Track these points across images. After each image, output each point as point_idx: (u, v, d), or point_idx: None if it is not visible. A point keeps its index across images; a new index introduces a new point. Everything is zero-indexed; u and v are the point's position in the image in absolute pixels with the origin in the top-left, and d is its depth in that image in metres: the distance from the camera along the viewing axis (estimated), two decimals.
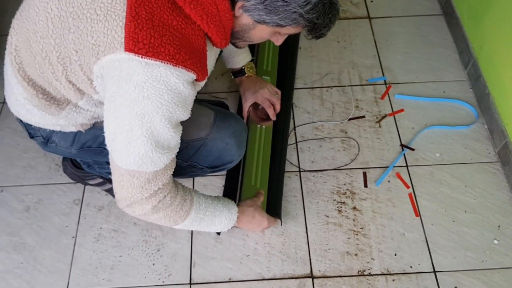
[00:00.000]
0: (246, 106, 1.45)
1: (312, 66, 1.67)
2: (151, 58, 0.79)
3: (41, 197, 1.39)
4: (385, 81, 1.63)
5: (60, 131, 1.08)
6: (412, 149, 1.46)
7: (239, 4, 0.85)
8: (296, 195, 1.38)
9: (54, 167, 1.44)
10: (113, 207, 1.37)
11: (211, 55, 0.97)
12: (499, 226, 1.32)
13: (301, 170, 1.43)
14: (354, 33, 1.75)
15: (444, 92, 1.59)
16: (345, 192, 1.39)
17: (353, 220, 1.34)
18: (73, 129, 1.06)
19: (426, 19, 1.78)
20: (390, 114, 1.54)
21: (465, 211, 1.35)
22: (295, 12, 0.84)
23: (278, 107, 1.45)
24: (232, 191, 1.36)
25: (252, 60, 1.44)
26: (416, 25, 1.77)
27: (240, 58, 1.40)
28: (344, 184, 1.40)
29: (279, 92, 1.47)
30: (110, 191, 1.35)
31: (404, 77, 1.63)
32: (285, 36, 0.98)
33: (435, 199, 1.37)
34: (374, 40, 1.73)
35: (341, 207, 1.36)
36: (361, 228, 1.32)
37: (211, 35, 0.86)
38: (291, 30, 0.91)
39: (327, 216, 1.35)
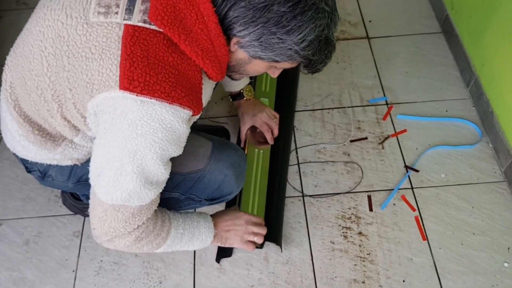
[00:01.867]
0: (244, 129, 1.44)
1: (312, 88, 1.65)
2: (146, 96, 0.78)
3: (41, 230, 1.36)
4: (386, 101, 1.61)
5: (56, 165, 1.06)
6: (417, 171, 1.44)
7: (234, 40, 0.84)
8: (300, 221, 1.36)
9: (54, 198, 1.42)
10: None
11: (207, 87, 0.96)
12: (508, 248, 1.29)
13: (304, 195, 1.41)
14: (353, 54, 1.74)
15: (446, 111, 1.57)
16: (350, 217, 1.36)
17: (359, 245, 1.31)
18: (69, 163, 1.04)
19: (425, 38, 1.77)
20: (392, 135, 1.53)
21: (473, 234, 1.32)
22: (290, 49, 0.82)
23: (276, 132, 1.43)
24: None
25: (250, 83, 1.43)
26: (416, 44, 1.76)
27: (239, 81, 1.40)
28: (349, 209, 1.38)
29: (277, 116, 1.46)
30: None
31: (406, 97, 1.61)
32: (281, 69, 0.97)
33: (442, 221, 1.34)
34: (374, 60, 1.72)
35: (346, 232, 1.34)
36: (367, 254, 1.29)
37: (207, 70, 0.85)
38: (286, 65, 0.90)
39: (333, 242, 1.32)
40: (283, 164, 1.43)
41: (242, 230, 1.20)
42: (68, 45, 0.81)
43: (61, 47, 0.82)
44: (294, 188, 1.42)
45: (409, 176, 1.43)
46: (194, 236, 1.10)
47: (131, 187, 0.86)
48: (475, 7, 1.54)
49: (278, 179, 1.39)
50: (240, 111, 1.44)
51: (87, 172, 1.07)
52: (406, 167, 1.45)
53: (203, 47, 0.81)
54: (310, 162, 1.47)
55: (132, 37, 0.78)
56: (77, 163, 1.05)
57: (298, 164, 1.47)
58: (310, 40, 0.81)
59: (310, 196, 1.40)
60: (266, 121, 1.42)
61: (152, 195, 0.91)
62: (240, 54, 0.87)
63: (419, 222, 1.34)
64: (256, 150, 1.42)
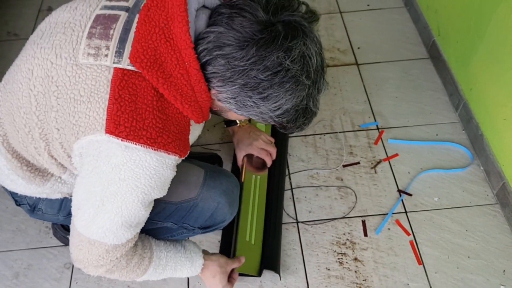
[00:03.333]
0: (240, 156, 1.43)
1: None
2: (132, 142, 0.78)
3: (31, 262, 1.33)
4: (377, 126, 1.63)
5: (46, 198, 1.05)
6: (410, 195, 1.44)
7: (213, 91, 0.84)
8: (295, 247, 1.35)
9: (44, 230, 1.40)
10: None
11: (196, 127, 0.96)
12: (504, 271, 1.29)
13: (298, 221, 1.40)
14: (343, 80, 1.77)
15: (437, 135, 1.59)
16: (345, 243, 1.36)
17: (355, 272, 1.30)
18: (59, 196, 1.03)
19: (413, 63, 1.81)
20: (385, 159, 1.53)
21: (469, 257, 1.32)
22: (264, 114, 0.83)
23: (274, 155, 1.43)
24: (230, 246, 1.32)
25: None
26: (404, 69, 1.79)
27: None
28: (344, 234, 1.37)
29: (272, 140, 1.46)
30: None
31: (396, 121, 1.63)
32: None
33: (437, 245, 1.34)
34: (364, 86, 1.74)
35: (342, 258, 1.32)
36: (363, 280, 1.28)
37: (187, 114, 0.84)
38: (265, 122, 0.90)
39: (328, 269, 1.31)
40: (279, 191, 1.43)
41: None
42: (57, 86, 0.81)
43: (50, 87, 0.82)
44: (288, 214, 1.41)
45: (402, 200, 1.43)
46: (175, 275, 1.07)
47: (108, 225, 0.86)
48: (461, 33, 1.58)
49: (275, 206, 1.38)
50: (235, 138, 1.43)
51: None
52: (399, 191, 1.46)
53: (183, 91, 0.81)
54: (303, 187, 1.47)
55: (121, 81, 0.78)
56: (67, 196, 1.04)
57: (292, 189, 1.47)
58: (286, 109, 0.82)
59: (305, 222, 1.40)
60: (263, 147, 1.41)
61: (128, 235, 0.90)
62: (220, 103, 0.87)
63: (414, 246, 1.34)
64: (254, 176, 1.42)
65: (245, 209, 1.34)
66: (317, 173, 1.51)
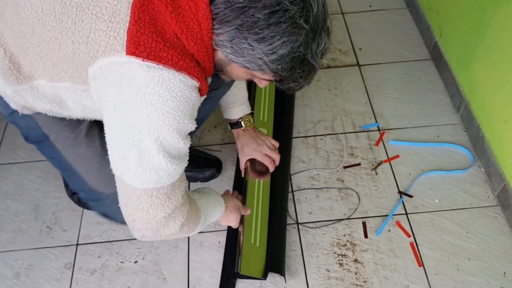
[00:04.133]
0: (243, 161, 1.43)
1: (305, 114, 1.67)
2: (153, 62, 0.77)
3: (32, 262, 1.34)
4: (378, 127, 1.62)
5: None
6: (411, 196, 1.44)
7: (213, 36, 0.82)
8: (295, 249, 1.35)
9: (45, 230, 1.40)
10: (105, 271, 1.32)
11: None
12: (504, 273, 1.29)
13: (299, 223, 1.40)
14: (344, 81, 1.76)
15: (438, 136, 1.58)
16: (345, 244, 1.35)
17: (355, 273, 1.30)
18: (14, 106, 1.00)
19: (415, 64, 1.80)
20: (385, 161, 1.53)
21: (469, 259, 1.31)
22: (260, 58, 0.80)
23: (277, 162, 1.43)
24: (235, 249, 1.31)
25: (251, 113, 1.41)
26: (406, 70, 1.79)
27: (238, 109, 1.38)
28: (344, 236, 1.37)
29: (277, 144, 1.45)
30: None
31: (397, 123, 1.63)
32: (267, 81, 0.92)
33: (437, 247, 1.34)
34: (365, 87, 1.74)
35: (342, 260, 1.32)
36: (364, 282, 1.28)
37: (191, 51, 0.81)
38: (262, 76, 0.87)
39: (328, 271, 1.30)
40: (282, 194, 1.43)
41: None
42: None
43: None
44: (289, 215, 1.41)
45: (403, 202, 1.43)
46: (214, 211, 1.11)
47: (157, 163, 0.83)
48: (463, 35, 1.57)
49: (279, 209, 1.38)
50: (240, 143, 1.42)
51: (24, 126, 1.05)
52: (400, 192, 1.45)
53: (189, 25, 0.79)
54: (304, 189, 1.47)
55: (142, 5, 0.78)
56: (19, 109, 1.01)
57: (292, 191, 1.47)
58: (282, 55, 0.79)
59: (305, 223, 1.40)
60: (268, 153, 1.41)
61: (179, 169, 0.87)
62: (219, 54, 0.85)
63: (415, 248, 1.34)
64: (257, 180, 1.42)
65: (250, 213, 1.34)
66: (317, 174, 1.51)
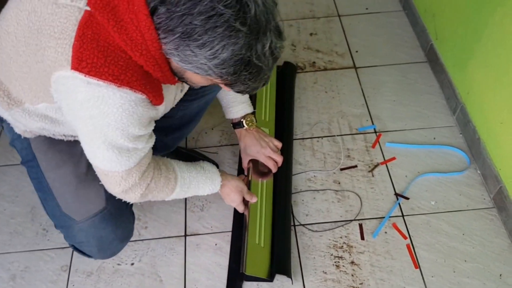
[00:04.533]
0: (246, 160, 1.43)
1: (301, 116, 1.67)
2: (94, 78, 0.80)
3: (28, 264, 1.34)
4: (375, 129, 1.63)
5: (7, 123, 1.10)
6: (407, 198, 1.45)
7: (162, 46, 0.82)
8: (292, 251, 1.35)
9: (41, 232, 1.40)
10: (102, 273, 1.32)
11: (169, 91, 0.98)
12: (500, 275, 1.29)
13: (295, 224, 1.40)
14: (341, 83, 1.77)
15: (434, 138, 1.59)
16: (342, 246, 1.36)
17: (352, 275, 1.30)
18: (18, 129, 1.08)
19: (411, 67, 1.81)
20: (382, 163, 1.54)
21: (465, 261, 1.32)
22: (204, 64, 0.80)
23: (280, 163, 1.43)
24: (239, 249, 1.32)
25: (253, 113, 1.41)
26: (402, 73, 1.79)
27: (238, 108, 1.37)
28: (341, 238, 1.37)
29: (280, 145, 1.45)
30: None
31: (394, 125, 1.63)
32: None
33: (433, 249, 1.34)
34: (362, 89, 1.75)
35: (338, 262, 1.33)
36: (360, 284, 1.28)
37: (140, 63, 0.83)
38: (215, 80, 0.87)
39: (325, 272, 1.31)
40: (286, 194, 1.43)
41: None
42: (39, 21, 0.84)
43: (34, 21, 0.85)
44: None
45: (399, 204, 1.44)
46: (198, 193, 1.19)
47: (107, 157, 0.92)
48: (459, 37, 1.58)
49: (282, 211, 1.38)
50: (243, 143, 1.41)
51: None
52: (397, 194, 1.46)
53: (133, 37, 0.80)
54: (301, 191, 1.47)
55: (87, 21, 0.81)
56: (23, 133, 1.09)
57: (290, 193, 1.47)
58: (223, 59, 0.78)
59: (302, 225, 1.40)
60: (271, 155, 1.41)
61: (135, 159, 0.95)
62: (172, 62, 0.86)
63: (411, 250, 1.34)
64: (260, 181, 1.42)
65: (254, 212, 1.34)
66: (314, 176, 1.51)
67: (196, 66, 0.81)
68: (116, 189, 1.00)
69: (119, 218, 1.15)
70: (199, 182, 1.17)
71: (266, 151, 1.39)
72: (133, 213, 1.24)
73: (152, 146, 1.01)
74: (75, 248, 1.19)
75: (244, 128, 1.39)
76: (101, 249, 1.16)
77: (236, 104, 1.37)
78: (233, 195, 1.28)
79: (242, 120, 1.38)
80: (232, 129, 1.41)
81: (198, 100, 1.27)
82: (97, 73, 0.80)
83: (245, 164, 1.43)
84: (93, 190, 1.07)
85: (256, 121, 1.40)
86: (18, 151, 1.16)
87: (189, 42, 0.77)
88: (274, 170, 1.41)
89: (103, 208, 1.10)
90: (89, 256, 1.20)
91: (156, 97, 0.88)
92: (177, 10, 0.75)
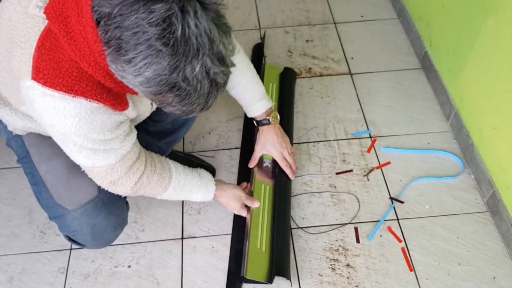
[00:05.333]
0: (260, 154, 1.45)
1: (298, 121, 1.69)
2: (49, 88, 0.82)
3: (25, 267, 1.34)
4: (370, 134, 1.65)
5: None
6: (402, 202, 1.46)
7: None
8: None
9: (39, 234, 1.40)
10: (99, 275, 1.32)
11: (141, 102, 1.02)
12: (494, 278, 1.31)
13: (292, 228, 1.41)
14: (337, 89, 1.79)
15: (428, 143, 1.61)
16: (338, 249, 1.37)
17: (347, 278, 1.31)
18: (9, 128, 1.11)
19: (406, 73, 1.84)
20: (377, 167, 1.55)
21: (459, 264, 1.33)
22: (132, 80, 0.77)
23: (294, 167, 1.46)
24: (241, 254, 1.33)
25: (271, 108, 1.41)
26: (397, 79, 1.82)
27: (259, 105, 1.37)
28: (336, 241, 1.39)
29: (294, 151, 1.50)
30: None
31: (389, 130, 1.65)
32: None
33: (428, 252, 1.36)
34: (357, 95, 1.77)
35: (334, 264, 1.34)
36: (356, 286, 1.29)
37: (91, 74, 0.83)
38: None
39: (321, 275, 1.32)
40: (286, 197, 1.44)
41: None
42: (13, 30, 0.87)
43: (9, 29, 0.87)
44: None
45: (394, 208, 1.45)
46: (190, 197, 1.22)
47: (82, 156, 0.94)
48: (452, 45, 1.61)
49: (283, 214, 1.39)
50: (264, 137, 1.42)
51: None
52: (391, 198, 1.48)
53: (81, 48, 0.81)
54: (297, 194, 1.49)
55: (47, 31, 0.82)
56: (13, 131, 1.13)
57: None
58: (147, 77, 0.75)
59: (298, 229, 1.41)
60: (287, 157, 1.44)
61: (113, 157, 0.97)
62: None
63: (406, 253, 1.36)
64: (263, 185, 1.43)
65: (256, 217, 1.35)
66: (310, 180, 1.53)
67: (127, 81, 0.80)
68: (102, 182, 1.03)
69: (112, 205, 1.15)
70: (193, 186, 1.20)
71: (284, 152, 1.42)
72: (127, 202, 1.25)
73: (133, 142, 1.02)
74: (70, 239, 1.18)
75: (270, 124, 1.41)
76: (94, 237, 1.15)
77: (255, 102, 1.37)
78: (232, 203, 1.31)
79: (267, 117, 1.39)
80: (229, 133, 1.43)
81: None
82: (52, 84, 0.82)
83: (256, 157, 1.45)
84: (84, 179, 1.08)
85: (280, 117, 1.43)
86: (14, 150, 1.18)
87: (119, 57, 0.75)
88: (288, 172, 1.45)
89: (95, 197, 1.11)
90: (83, 245, 1.20)
91: (116, 104, 0.88)
92: (111, 23, 0.73)
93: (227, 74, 0.80)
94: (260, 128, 1.43)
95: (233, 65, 0.81)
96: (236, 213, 1.35)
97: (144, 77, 0.75)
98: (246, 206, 1.35)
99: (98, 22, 0.76)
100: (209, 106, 0.83)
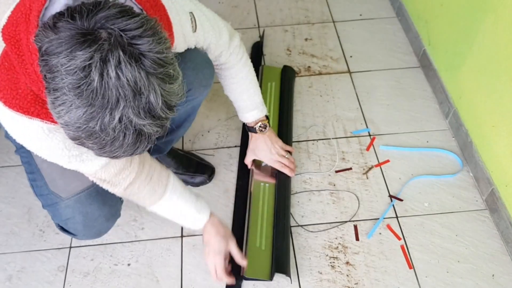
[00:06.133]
0: (251, 159, 1.46)
1: (297, 120, 1.69)
2: (9, 109, 0.82)
3: (24, 265, 1.34)
4: (369, 132, 1.65)
5: None
6: (401, 200, 1.47)
7: None
8: None
9: (38, 232, 1.40)
10: (98, 273, 1.32)
11: None
12: (493, 275, 1.31)
13: (291, 226, 1.41)
14: (336, 87, 1.79)
15: (427, 141, 1.62)
16: (337, 247, 1.37)
17: (347, 275, 1.31)
18: None
19: (404, 72, 1.84)
20: (376, 165, 1.56)
21: (458, 261, 1.34)
22: (56, 119, 0.74)
23: (292, 166, 1.46)
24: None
25: (267, 116, 1.40)
26: (395, 78, 1.82)
27: (250, 114, 1.37)
28: (336, 238, 1.39)
29: (291, 149, 1.49)
30: None
31: (388, 128, 1.66)
32: None
33: (427, 250, 1.36)
34: (356, 93, 1.77)
35: (334, 262, 1.34)
36: (355, 284, 1.30)
37: (43, 98, 0.82)
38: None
39: (320, 273, 1.32)
40: (285, 195, 1.44)
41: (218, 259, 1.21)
42: None
43: None
44: None
45: (393, 205, 1.46)
46: (178, 220, 1.19)
47: (62, 164, 0.95)
48: (451, 43, 1.61)
49: (282, 212, 1.39)
50: (253, 144, 1.43)
51: None
52: (391, 196, 1.48)
53: (30, 72, 0.79)
54: (296, 192, 1.49)
55: (5, 52, 0.81)
56: None
57: None
58: (66, 122, 0.71)
59: (297, 226, 1.41)
60: (279, 160, 1.44)
61: (91, 166, 0.97)
62: None
63: (405, 250, 1.36)
64: (262, 184, 1.43)
65: (255, 216, 1.36)
66: (309, 178, 1.53)
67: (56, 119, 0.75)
68: (92, 178, 1.03)
69: (105, 196, 1.14)
70: (184, 213, 1.17)
71: (274, 157, 1.43)
72: None
73: None
74: (62, 228, 1.17)
75: (256, 133, 1.41)
76: (86, 226, 1.14)
77: (247, 111, 1.37)
78: (209, 259, 1.20)
79: (255, 126, 1.39)
80: (228, 132, 1.43)
81: (185, 105, 1.26)
82: (10, 105, 0.81)
83: (247, 161, 1.46)
84: (71, 179, 1.08)
85: (270, 125, 1.41)
86: (12, 142, 1.14)
87: (47, 92, 0.71)
88: (287, 172, 1.45)
89: (89, 186, 1.10)
90: (74, 235, 1.18)
91: None
92: (42, 59, 0.69)
93: (159, 125, 0.74)
94: (250, 134, 1.44)
95: (170, 114, 0.74)
96: (209, 262, 1.21)
97: (63, 121, 0.71)
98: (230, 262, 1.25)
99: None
100: (135, 153, 0.77)
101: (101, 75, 0.66)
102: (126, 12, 0.70)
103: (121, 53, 0.67)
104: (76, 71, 0.66)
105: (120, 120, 0.69)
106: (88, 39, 0.66)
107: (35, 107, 0.82)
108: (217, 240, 1.19)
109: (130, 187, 1.05)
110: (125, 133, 0.71)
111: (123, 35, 0.67)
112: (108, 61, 0.66)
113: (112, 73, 0.66)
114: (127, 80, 0.67)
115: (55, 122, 0.81)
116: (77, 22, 0.67)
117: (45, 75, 0.69)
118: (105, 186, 1.06)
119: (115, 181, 1.03)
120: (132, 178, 1.04)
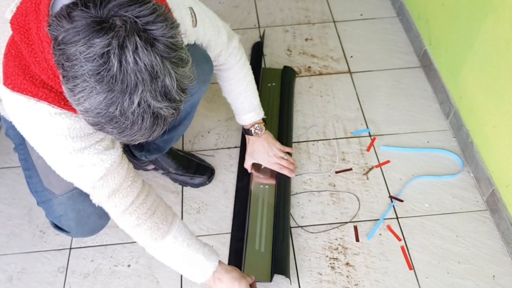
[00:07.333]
0: (250, 163, 1.47)
1: (297, 120, 1.69)
2: (17, 93, 0.82)
3: (25, 266, 1.34)
4: (369, 133, 1.65)
5: None
6: (401, 201, 1.46)
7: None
8: None
9: (38, 233, 1.40)
10: (98, 274, 1.32)
11: None
12: (493, 276, 1.31)
13: (291, 226, 1.41)
14: (336, 88, 1.79)
15: (428, 142, 1.61)
16: (337, 248, 1.37)
17: (347, 276, 1.31)
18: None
19: (405, 72, 1.84)
20: (376, 166, 1.55)
21: (459, 262, 1.33)
22: (75, 107, 0.76)
23: (291, 166, 1.46)
24: (240, 256, 1.33)
25: (264, 120, 1.40)
26: (396, 78, 1.82)
27: (247, 116, 1.37)
28: (336, 239, 1.39)
29: (290, 151, 1.49)
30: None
31: (388, 129, 1.65)
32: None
33: (427, 251, 1.36)
34: (356, 94, 1.77)
35: (333, 263, 1.34)
36: (355, 285, 1.30)
37: (52, 86, 0.84)
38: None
39: (320, 274, 1.32)
40: (285, 196, 1.44)
41: None
42: None
43: None
44: None
45: (393, 206, 1.45)
46: (183, 270, 1.10)
47: (66, 172, 0.95)
48: (452, 43, 1.61)
49: (282, 213, 1.39)
50: (251, 148, 1.44)
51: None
52: (391, 197, 1.48)
53: (40, 61, 0.81)
54: (296, 193, 1.49)
55: (13, 38, 0.82)
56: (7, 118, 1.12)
57: None
58: (86, 108, 0.73)
59: (297, 227, 1.41)
60: (277, 162, 1.44)
61: (91, 175, 0.94)
62: None
63: (405, 251, 1.36)
64: (261, 186, 1.43)
65: (254, 218, 1.36)
66: (310, 179, 1.53)
67: (73, 106, 0.77)
68: (106, 202, 0.99)
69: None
70: (189, 264, 1.09)
71: (272, 159, 1.43)
72: None
73: (115, 161, 0.96)
74: (55, 226, 1.17)
75: (253, 136, 1.41)
76: (79, 223, 1.14)
77: (243, 113, 1.37)
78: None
79: (251, 128, 1.39)
80: (228, 132, 1.43)
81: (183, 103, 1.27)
82: (19, 89, 0.82)
83: (247, 166, 1.46)
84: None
85: (266, 129, 1.41)
86: (11, 139, 1.18)
87: (65, 81, 0.73)
88: (286, 173, 1.45)
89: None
90: (68, 232, 1.17)
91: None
92: (57, 48, 0.71)
93: (175, 108, 0.76)
94: (247, 137, 1.44)
95: (184, 96, 0.77)
96: None
97: (83, 107, 0.73)
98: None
99: (54, 40, 0.74)
100: (153, 137, 0.79)
101: (120, 61, 0.68)
102: (137, 0, 0.71)
103: (137, 38, 0.68)
104: (95, 58, 0.68)
105: (139, 104, 0.71)
106: (104, 27, 0.68)
107: (43, 91, 0.83)
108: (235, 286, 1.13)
109: (129, 209, 1.00)
110: (143, 117, 0.73)
111: (137, 21, 0.69)
112: (126, 47, 0.68)
113: (130, 59, 0.68)
114: (145, 65, 0.69)
115: (62, 107, 0.84)
116: (91, 11, 0.69)
117: (62, 64, 0.70)
118: (104, 205, 1.00)
119: (109, 202, 0.99)
120: (131, 200, 0.99)
